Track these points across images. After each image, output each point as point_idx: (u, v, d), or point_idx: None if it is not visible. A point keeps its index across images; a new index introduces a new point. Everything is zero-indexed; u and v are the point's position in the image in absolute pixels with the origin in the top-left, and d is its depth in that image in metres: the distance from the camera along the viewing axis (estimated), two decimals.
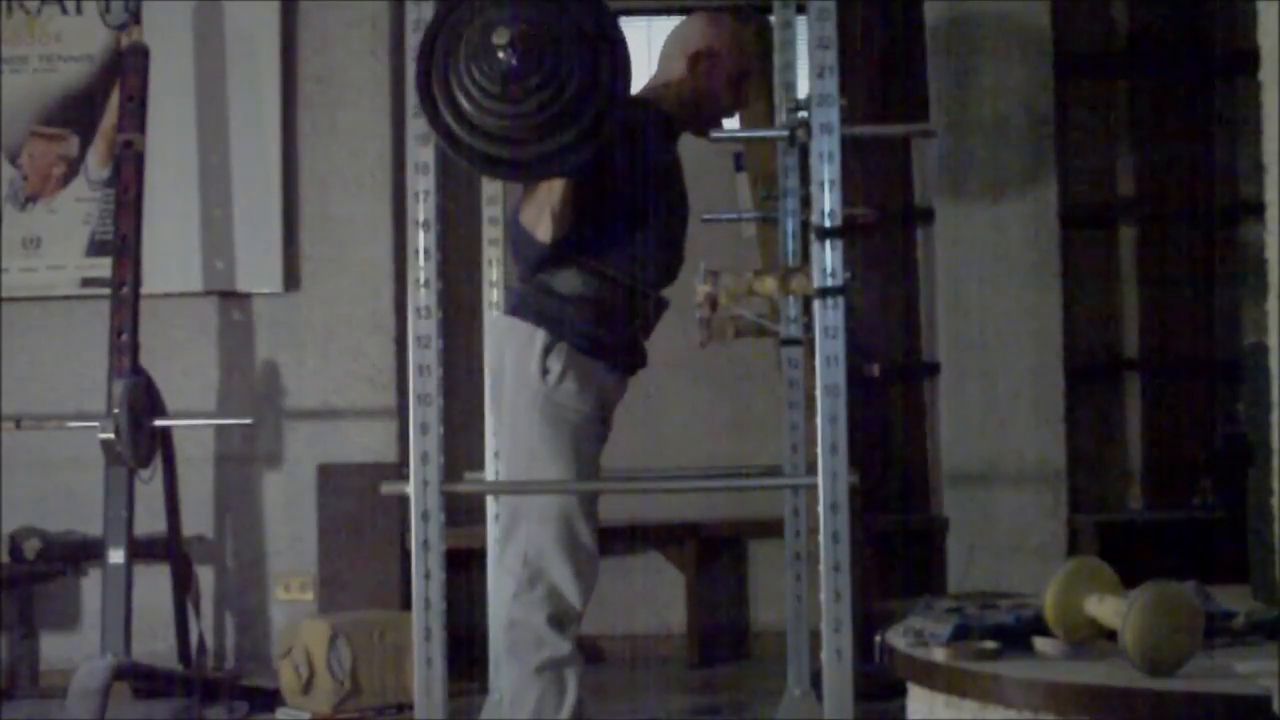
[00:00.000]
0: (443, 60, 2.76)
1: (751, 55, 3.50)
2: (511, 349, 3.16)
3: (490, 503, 3.99)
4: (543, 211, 3.06)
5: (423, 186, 2.84)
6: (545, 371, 3.12)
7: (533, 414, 3.12)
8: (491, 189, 4.16)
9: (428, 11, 2.84)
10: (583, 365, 3.15)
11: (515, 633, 3.09)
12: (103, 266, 4.86)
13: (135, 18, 5.28)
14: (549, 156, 2.80)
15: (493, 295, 4.15)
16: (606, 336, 3.19)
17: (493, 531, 3.97)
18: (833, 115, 2.82)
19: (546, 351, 3.13)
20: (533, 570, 3.08)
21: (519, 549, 3.11)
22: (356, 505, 5.07)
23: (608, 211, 3.14)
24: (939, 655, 2.65)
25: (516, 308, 3.22)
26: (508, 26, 2.68)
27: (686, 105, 3.38)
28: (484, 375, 3.55)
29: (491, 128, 2.75)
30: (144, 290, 4.70)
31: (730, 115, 3.54)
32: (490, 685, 3.98)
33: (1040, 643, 2.68)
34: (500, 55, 2.68)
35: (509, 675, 3.12)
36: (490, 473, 3.93)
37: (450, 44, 2.76)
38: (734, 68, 3.40)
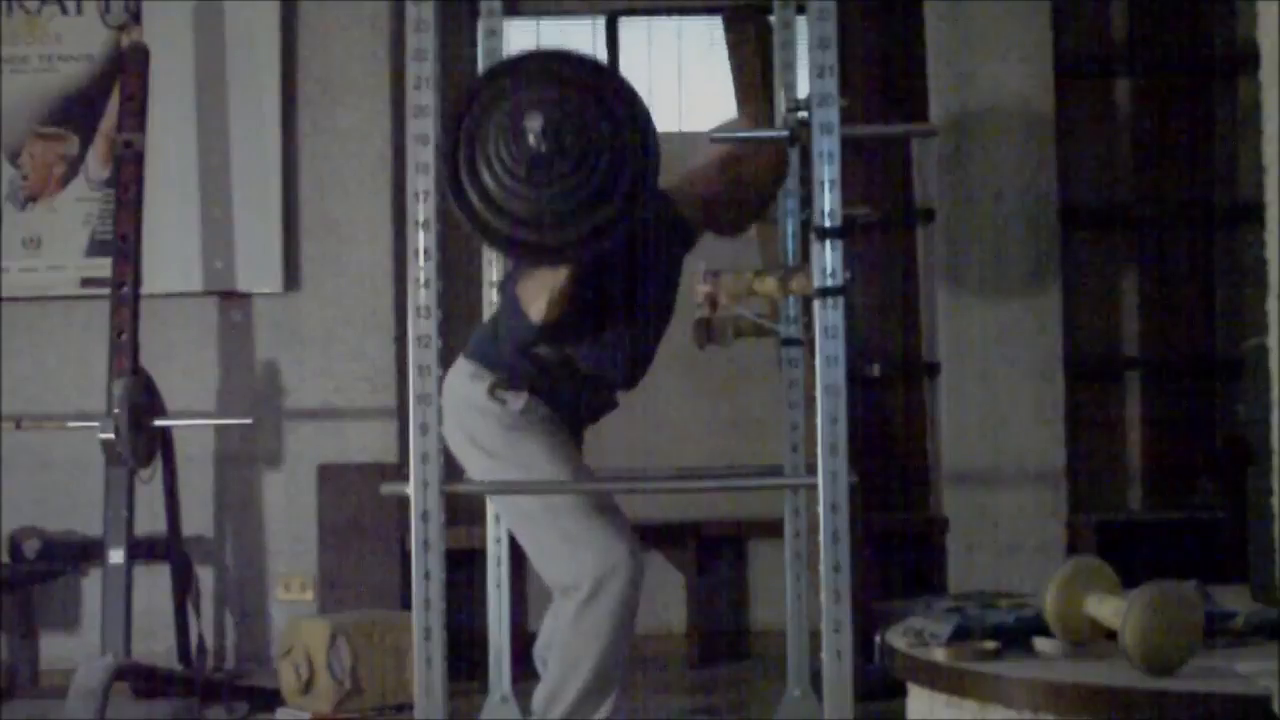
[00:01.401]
0: (470, 140, 2.76)
1: (784, 169, 3.51)
2: (460, 390, 3.20)
3: (490, 503, 3.99)
4: (541, 292, 3.07)
5: (423, 186, 2.84)
6: (502, 402, 3.20)
7: (502, 432, 3.19)
8: None
9: (428, 11, 2.85)
10: (537, 401, 3.22)
11: (624, 613, 3.13)
12: (103, 266, 4.86)
13: (135, 18, 5.28)
14: (573, 242, 2.81)
15: (493, 295, 4.14)
16: (558, 402, 3.26)
17: (493, 531, 3.97)
18: (833, 115, 2.82)
19: (497, 388, 3.21)
20: (590, 546, 3.13)
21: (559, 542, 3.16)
22: (356, 505, 5.08)
23: (595, 306, 3.17)
24: (939, 655, 2.65)
25: (472, 352, 3.30)
26: (540, 112, 2.68)
27: (709, 204, 3.39)
28: None
29: (517, 210, 2.75)
30: (144, 290, 4.70)
31: (748, 223, 3.55)
32: (490, 685, 3.98)
33: (1040, 643, 2.68)
34: (530, 140, 2.68)
35: (566, 656, 3.15)
36: None
37: (478, 123, 2.76)
38: (764, 177, 3.43)
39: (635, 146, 2.79)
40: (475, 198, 2.75)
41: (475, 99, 2.79)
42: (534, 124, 2.67)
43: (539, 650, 3.45)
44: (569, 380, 3.27)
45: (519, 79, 2.80)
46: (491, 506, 3.98)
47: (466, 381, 3.23)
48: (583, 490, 3.19)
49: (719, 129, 3.48)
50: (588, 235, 2.78)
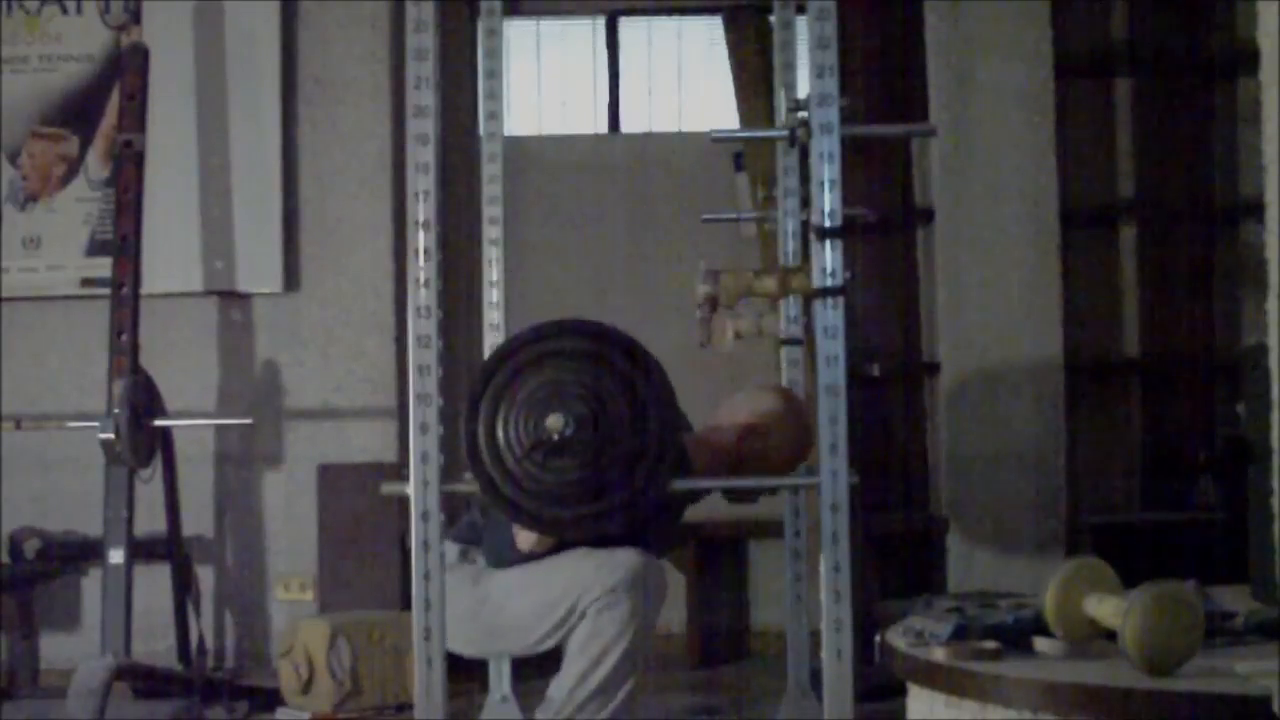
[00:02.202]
0: (490, 414, 2.79)
1: (809, 441, 3.51)
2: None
3: None
4: (534, 532, 3.16)
5: (423, 186, 2.84)
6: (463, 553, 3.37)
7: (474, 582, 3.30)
8: (492, 189, 4.16)
9: (428, 12, 2.84)
10: None
11: (602, 616, 3.19)
12: (103, 266, 4.85)
13: (135, 18, 5.28)
14: (587, 519, 2.83)
15: (493, 295, 4.14)
16: None
17: None
18: (833, 115, 2.82)
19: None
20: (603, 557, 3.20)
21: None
22: (356, 505, 5.07)
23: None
24: (939, 655, 2.65)
25: (459, 538, 3.44)
26: (562, 413, 2.71)
27: (717, 463, 3.44)
28: None
29: (533, 486, 2.78)
30: (144, 290, 4.70)
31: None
32: (490, 685, 3.98)
33: (1040, 643, 2.68)
34: (550, 435, 2.72)
35: (584, 655, 3.21)
36: None
37: (498, 398, 2.79)
38: (780, 457, 3.47)
39: (653, 434, 2.80)
40: (493, 470, 2.79)
41: (496, 373, 2.82)
42: (555, 424, 2.71)
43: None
44: None
45: (547, 355, 2.81)
46: None
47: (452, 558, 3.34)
48: None
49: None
50: (603, 513, 2.82)
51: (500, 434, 2.78)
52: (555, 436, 2.72)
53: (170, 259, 5.19)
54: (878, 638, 2.89)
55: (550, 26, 6.06)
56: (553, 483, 2.77)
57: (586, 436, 2.74)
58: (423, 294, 2.83)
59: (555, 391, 2.74)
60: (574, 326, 2.86)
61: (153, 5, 5.27)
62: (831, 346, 2.79)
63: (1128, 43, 5.45)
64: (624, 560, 3.21)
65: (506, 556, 3.30)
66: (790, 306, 3.90)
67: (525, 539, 3.23)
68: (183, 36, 5.27)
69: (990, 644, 2.65)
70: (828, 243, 2.80)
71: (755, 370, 5.19)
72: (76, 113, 5.30)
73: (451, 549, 3.35)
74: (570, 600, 3.23)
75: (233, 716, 4.50)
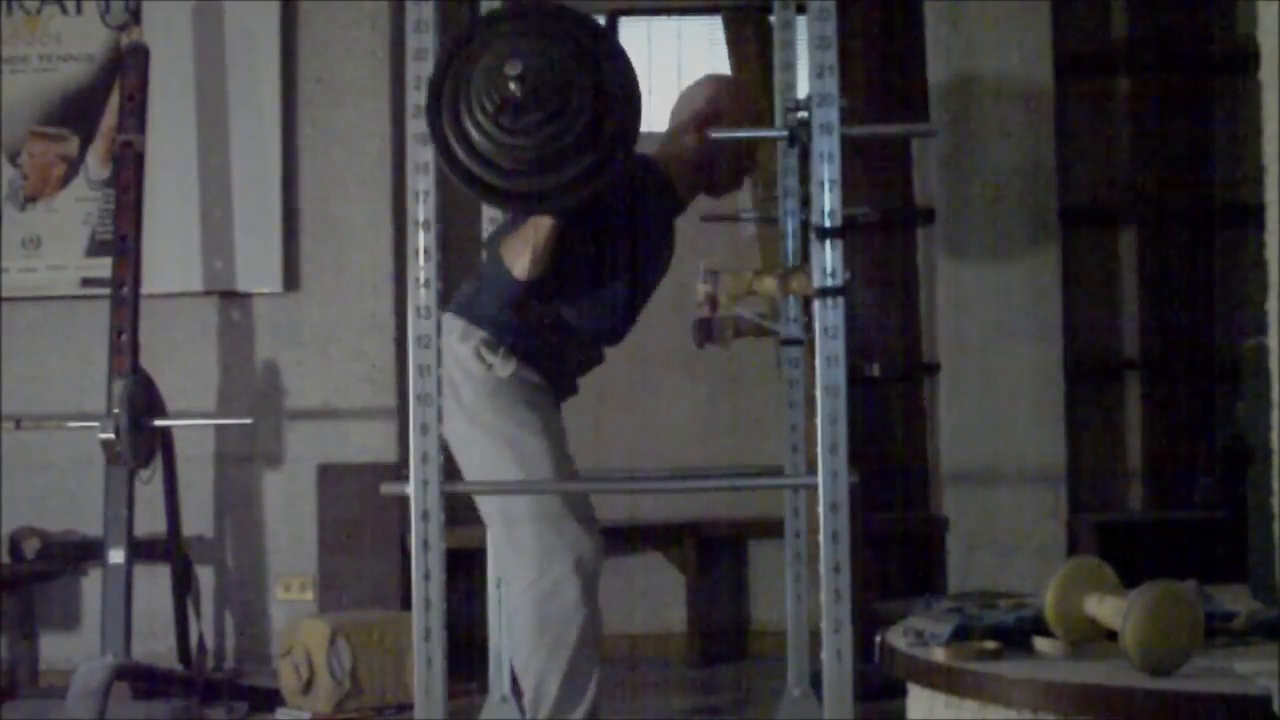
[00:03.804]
0: (453, 91, 2.77)
1: (760, 118, 3.51)
2: (449, 345, 3.18)
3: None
4: (524, 249, 3.08)
5: (423, 186, 2.84)
6: (488, 366, 3.21)
7: (486, 400, 3.19)
8: None
9: (428, 11, 2.84)
10: (522, 365, 3.23)
11: (547, 608, 3.18)
12: (103, 266, 4.85)
13: (135, 18, 5.28)
14: (550, 192, 2.81)
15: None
16: (543, 359, 3.27)
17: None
18: (833, 115, 2.82)
19: (482, 350, 3.21)
20: (554, 538, 3.18)
21: (531, 523, 3.19)
22: (356, 505, 5.08)
23: (582, 262, 3.18)
24: (939, 655, 2.65)
25: (458, 307, 3.30)
26: (519, 59, 2.68)
27: (693, 168, 3.40)
28: None
29: (498, 158, 2.76)
30: (144, 290, 4.70)
31: (739, 181, 3.55)
32: (490, 685, 3.98)
33: (1040, 643, 2.68)
34: (511, 87, 2.68)
35: (534, 664, 3.19)
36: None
37: (462, 75, 2.77)
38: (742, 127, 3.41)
39: (618, 96, 2.79)
40: (459, 148, 2.76)
41: (460, 50, 2.80)
42: (513, 70, 2.68)
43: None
44: (556, 336, 3.28)
45: (502, 30, 2.81)
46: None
47: (455, 341, 3.23)
48: (577, 490, 3.20)
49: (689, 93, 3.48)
50: (568, 183, 2.78)
51: (465, 115, 2.75)
52: (513, 88, 2.68)
53: (170, 259, 5.20)
54: (878, 638, 2.89)
55: None
56: (518, 155, 2.73)
57: (547, 93, 2.71)
58: (423, 294, 2.84)
59: (515, 52, 2.71)
60: (535, 7, 2.87)
61: (153, 5, 5.27)
62: (831, 346, 2.80)
63: (1128, 42, 5.45)
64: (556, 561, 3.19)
65: (510, 292, 3.18)
66: (790, 306, 3.90)
67: (519, 265, 3.10)
68: (183, 36, 5.27)
69: (990, 644, 2.65)
70: (828, 243, 2.80)
71: (755, 370, 5.19)
72: (76, 113, 5.30)
73: (465, 348, 3.24)
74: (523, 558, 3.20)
75: (233, 716, 4.50)
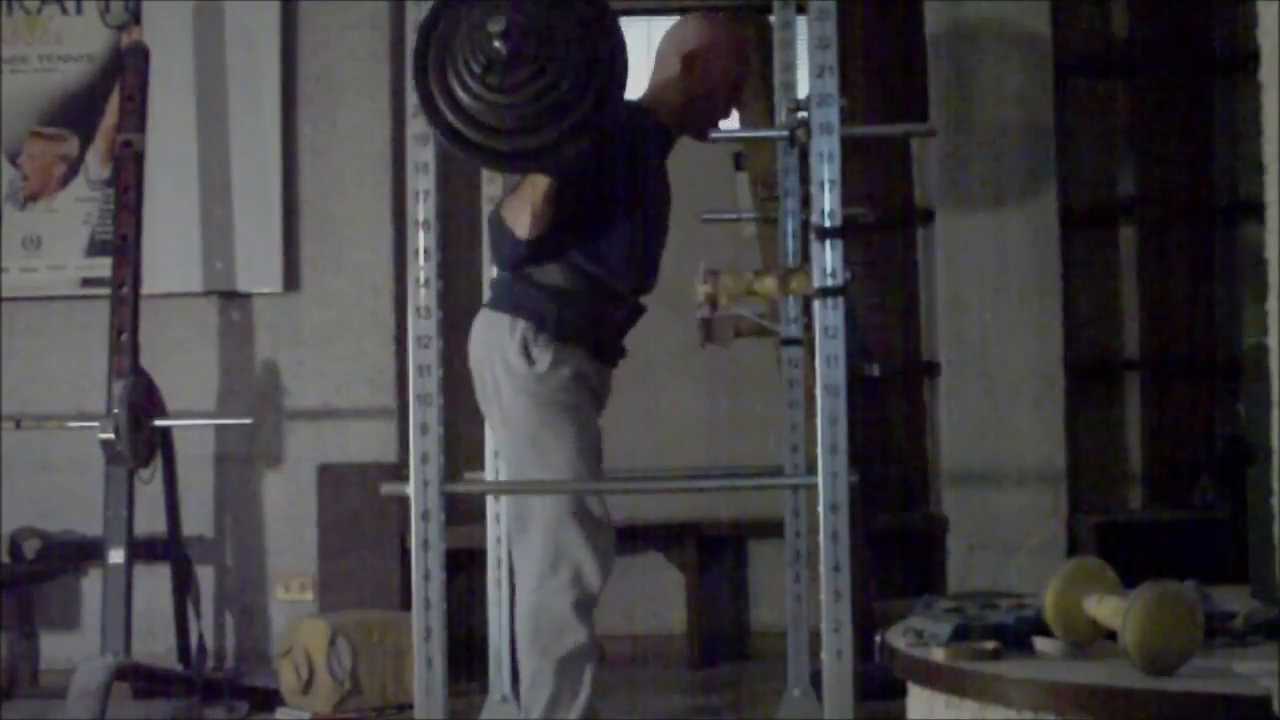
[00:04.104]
0: (440, 51, 2.76)
1: (747, 55, 3.50)
2: (493, 342, 3.18)
3: (490, 502, 3.99)
4: (523, 208, 3.07)
5: (423, 186, 2.84)
6: (531, 361, 3.16)
7: (523, 400, 3.16)
8: (492, 188, 4.16)
9: (427, 11, 2.84)
10: (566, 352, 3.18)
11: (539, 620, 3.13)
12: (103, 266, 4.85)
13: (135, 18, 5.27)
14: (541, 150, 2.80)
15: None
16: (586, 327, 3.22)
17: (493, 531, 3.97)
18: (833, 115, 2.82)
19: (528, 341, 3.17)
20: (555, 552, 3.13)
21: (538, 532, 3.15)
22: (356, 505, 5.08)
23: (590, 212, 3.16)
24: (939, 655, 2.65)
25: (495, 301, 3.27)
26: (503, 15, 2.68)
27: (682, 107, 3.38)
28: None
29: (486, 119, 2.75)
30: (144, 290, 4.70)
31: (726, 116, 3.53)
32: (490, 685, 3.98)
33: (1040, 643, 2.68)
34: (496, 44, 2.68)
35: (528, 665, 3.16)
36: (490, 472, 3.93)
37: (448, 34, 2.76)
38: (729, 68, 3.39)
39: (603, 51, 2.78)
40: (446, 108, 2.75)
41: (445, 9, 2.79)
42: (496, 26, 2.67)
43: None
44: (593, 298, 3.22)
45: None
46: (492, 505, 3.98)
47: (503, 337, 3.18)
48: (583, 490, 3.19)
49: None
50: (557, 140, 2.77)
51: (452, 77, 2.74)
52: (498, 45, 2.67)
53: (170, 259, 5.19)
54: (878, 638, 2.89)
55: None
56: (505, 114, 2.72)
57: (532, 49, 2.70)
58: (423, 294, 2.84)
59: (495, 10, 2.70)
60: None
61: (153, 5, 5.26)
62: (831, 346, 2.80)
63: (1128, 43, 5.46)
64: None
65: (518, 253, 3.15)
66: (790, 306, 3.90)
67: (520, 224, 3.08)
68: (183, 36, 5.27)
69: (990, 644, 2.65)
70: (828, 243, 2.80)
71: (755, 370, 5.19)
72: (76, 113, 5.30)
73: (511, 343, 3.18)
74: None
75: (233, 716, 4.50)
